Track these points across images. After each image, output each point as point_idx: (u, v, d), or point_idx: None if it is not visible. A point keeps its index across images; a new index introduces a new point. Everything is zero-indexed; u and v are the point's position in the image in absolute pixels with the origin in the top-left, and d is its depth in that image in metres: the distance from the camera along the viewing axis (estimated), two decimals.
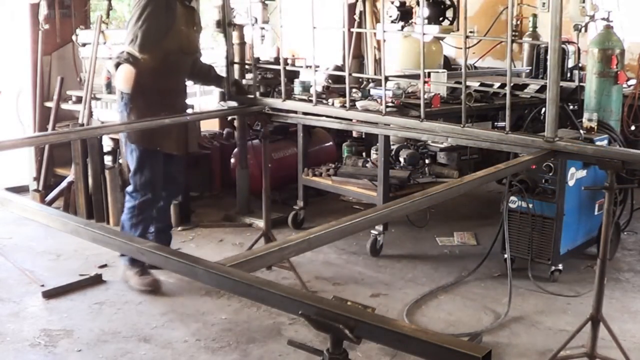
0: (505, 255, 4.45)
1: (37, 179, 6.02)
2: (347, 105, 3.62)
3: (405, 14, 7.02)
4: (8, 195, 2.37)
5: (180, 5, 4.14)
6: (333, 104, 4.71)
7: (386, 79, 3.47)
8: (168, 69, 4.12)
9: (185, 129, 4.48)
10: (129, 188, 4.31)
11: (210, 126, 6.84)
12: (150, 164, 4.21)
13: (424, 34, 3.16)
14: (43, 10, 5.82)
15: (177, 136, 4.33)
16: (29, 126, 6.10)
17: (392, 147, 5.35)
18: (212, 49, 7.66)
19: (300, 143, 5.55)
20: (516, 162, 3.01)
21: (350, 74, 3.75)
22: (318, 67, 6.33)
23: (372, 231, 4.87)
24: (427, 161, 5.66)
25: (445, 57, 7.78)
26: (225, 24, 4.03)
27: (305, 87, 5.34)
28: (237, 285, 1.66)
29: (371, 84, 5.49)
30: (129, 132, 4.16)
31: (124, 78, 4.10)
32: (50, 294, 4.17)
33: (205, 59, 4.56)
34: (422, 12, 3.57)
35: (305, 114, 4.15)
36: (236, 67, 5.25)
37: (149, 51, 4.04)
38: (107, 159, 5.61)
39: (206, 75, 4.45)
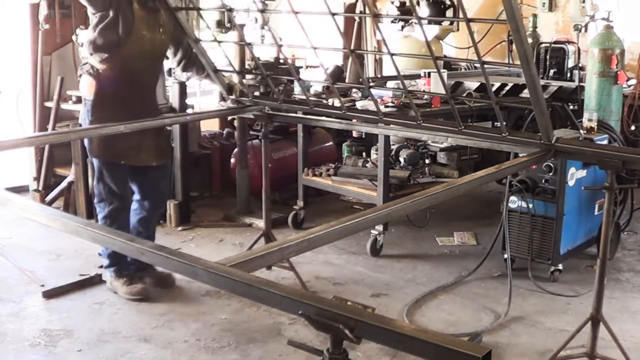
0: (505, 255, 4.45)
1: (37, 179, 6.02)
2: (344, 108, 3.59)
3: (405, 14, 7.03)
4: (8, 195, 2.37)
5: (140, 9, 3.95)
6: (333, 104, 4.72)
7: (369, 88, 3.45)
8: (130, 77, 3.98)
9: (161, 137, 4.28)
10: (96, 199, 4.19)
11: (210, 126, 6.85)
12: (111, 176, 4.08)
13: (380, 54, 3.14)
14: (43, 10, 5.82)
15: (149, 146, 4.14)
16: (29, 126, 6.10)
17: (392, 147, 5.36)
18: (213, 49, 7.64)
19: (300, 143, 5.55)
20: (516, 162, 3.00)
21: (334, 83, 3.74)
22: (310, 66, 6.27)
23: (372, 231, 4.87)
24: (427, 161, 5.66)
25: (446, 57, 7.78)
26: (192, 40, 3.77)
27: (305, 87, 5.35)
28: (237, 285, 1.66)
29: (371, 84, 5.49)
30: (90, 144, 4.03)
31: (85, 86, 4.01)
32: (50, 294, 4.17)
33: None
34: (382, 22, 3.55)
35: (305, 113, 4.15)
36: (236, 67, 5.26)
37: (107, 61, 3.92)
38: None
39: (203, 68, 4.37)
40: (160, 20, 4.04)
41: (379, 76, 7.71)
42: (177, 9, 3.75)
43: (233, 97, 4.08)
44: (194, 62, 4.33)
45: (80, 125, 5.14)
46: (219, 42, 3.73)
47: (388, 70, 7.77)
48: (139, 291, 4.09)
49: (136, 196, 4.31)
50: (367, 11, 7.17)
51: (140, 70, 4.04)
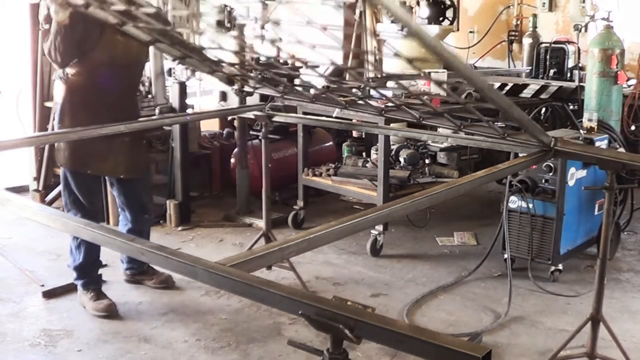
0: (505, 255, 4.45)
1: (37, 179, 6.02)
2: (341, 110, 3.60)
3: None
4: (8, 195, 2.37)
5: None
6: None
7: (367, 97, 3.45)
8: (101, 84, 3.80)
9: (137, 149, 4.08)
10: (64, 207, 4.09)
11: (210, 126, 6.85)
12: (76, 185, 3.94)
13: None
14: (43, 10, 5.79)
15: (118, 157, 3.97)
16: (29, 126, 6.10)
17: (392, 147, 5.36)
18: (214, 47, 7.64)
19: (300, 143, 5.55)
20: (516, 162, 3.00)
21: (328, 89, 3.75)
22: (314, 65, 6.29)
23: (372, 231, 4.87)
24: (427, 161, 5.66)
25: None
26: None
27: (306, 87, 5.34)
28: (237, 285, 1.66)
29: (371, 84, 5.49)
30: (56, 150, 3.95)
31: (55, 90, 3.97)
32: (50, 294, 4.17)
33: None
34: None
35: (305, 113, 4.15)
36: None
37: (76, 66, 3.80)
38: None
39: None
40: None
41: (379, 76, 7.70)
42: (150, 43, 3.66)
43: (235, 87, 4.01)
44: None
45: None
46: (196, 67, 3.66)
47: (388, 69, 7.77)
48: (104, 307, 3.97)
49: (119, 207, 4.30)
50: (367, 13, 7.17)
51: (113, 76, 3.86)
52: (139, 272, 4.36)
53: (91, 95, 3.83)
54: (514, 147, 3.12)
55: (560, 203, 4.33)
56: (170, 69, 5.45)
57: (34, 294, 4.19)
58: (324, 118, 4.08)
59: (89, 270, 4.07)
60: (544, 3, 7.78)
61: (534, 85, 5.88)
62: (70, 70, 3.85)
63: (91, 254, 4.02)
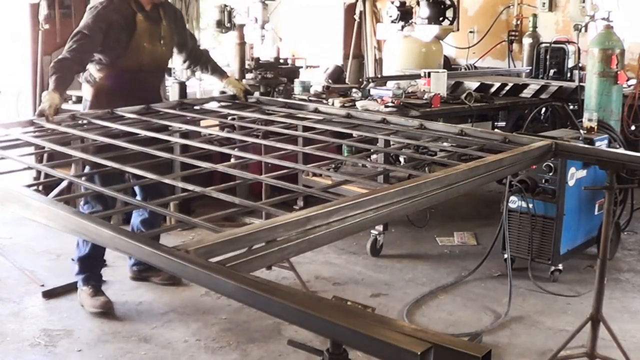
0: (505, 255, 4.45)
1: (37, 179, 6.02)
2: (343, 106, 3.60)
3: (405, 14, 7.03)
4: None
5: (144, 21, 3.87)
6: (333, 104, 4.73)
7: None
8: (126, 89, 3.84)
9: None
10: (82, 200, 4.08)
11: None
12: (102, 178, 3.78)
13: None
14: (43, 10, 5.82)
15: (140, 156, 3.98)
16: None
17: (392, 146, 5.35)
18: (214, 49, 7.68)
19: (300, 143, 5.54)
20: (516, 162, 3.00)
21: (325, 94, 3.74)
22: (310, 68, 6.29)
23: (372, 231, 4.87)
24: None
25: (445, 57, 7.80)
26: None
27: (305, 87, 5.35)
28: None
29: (371, 84, 5.50)
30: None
31: (84, 92, 4.03)
32: (50, 294, 4.17)
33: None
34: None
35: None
36: (236, 67, 5.27)
37: (104, 70, 3.87)
38: None
39: (205, 64, 4.35)
40: (161, 32, 3.96)
41: (379, 76, 7.72)
42: None
43: (240, 101, 4.05)
44: (197, 61, 4.35)
45: None
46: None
47: (388, 69, 7.79)
48: (101, 304, 3.97)
49: (137, 197, 4.29)
50: (367, 13, 7.18)
51: (136, 82, 3.91)
52: (145, 268, 4.36)
53: (117, 99, 3.82)
54: (515, 148, 3.12)
55: (560, 203, 4.33)
56: (170, 69, 5.45)
57: (34, 294, 4.19)
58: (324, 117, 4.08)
59: (92, 265, 4.06)
60: (544, 3, 7.79)
61: (534, 85, 5.88)
62: (98, 74, 3.89)
63: (98, 248, 4.02)
